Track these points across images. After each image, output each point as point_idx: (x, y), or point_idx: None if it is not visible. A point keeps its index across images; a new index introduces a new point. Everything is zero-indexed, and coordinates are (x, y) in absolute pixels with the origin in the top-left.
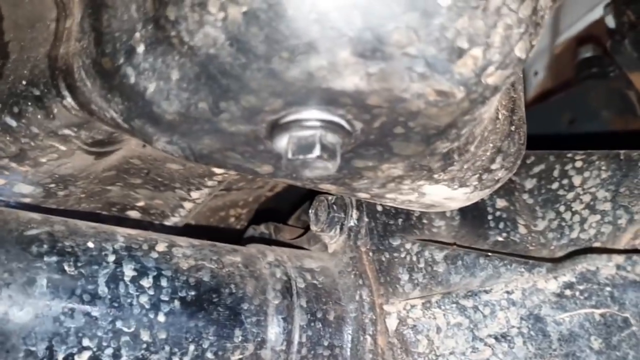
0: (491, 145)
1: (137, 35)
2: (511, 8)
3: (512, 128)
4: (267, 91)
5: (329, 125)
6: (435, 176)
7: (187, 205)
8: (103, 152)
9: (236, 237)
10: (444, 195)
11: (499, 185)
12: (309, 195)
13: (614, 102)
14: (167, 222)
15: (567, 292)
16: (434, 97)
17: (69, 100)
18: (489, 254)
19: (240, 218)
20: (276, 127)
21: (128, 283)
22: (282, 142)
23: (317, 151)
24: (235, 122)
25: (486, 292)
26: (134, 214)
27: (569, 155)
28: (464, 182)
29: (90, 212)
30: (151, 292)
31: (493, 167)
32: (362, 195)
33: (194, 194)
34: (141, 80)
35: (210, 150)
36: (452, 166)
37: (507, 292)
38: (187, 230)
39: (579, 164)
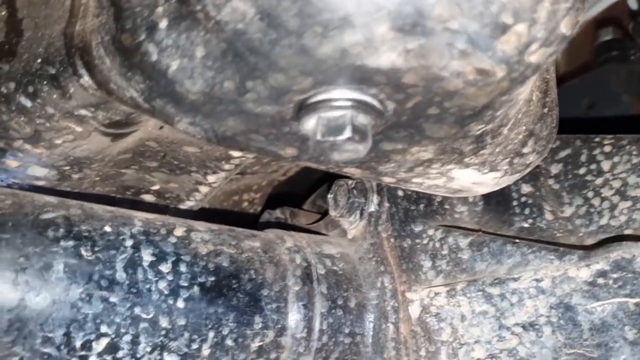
0: (524, 128)
1: (160, 9)
2: None
3: (545, 110)
4: (297, 69)
5: (360, 106)
6: (466, 160)
7: (203, 189)
8: (120, 134)
9: (250, 222)
10: (473, 179)
11: (529, 170)
12: (323, 179)
13: (635, 86)
14: (182, 206)
15: (600, 281)
16: (473, 76)
17: (86, 79)
18: (517, 240)
19: (254, 202)
20: (304, 108)
21: (146, 268)
22: (310, 124)
23: (347, 132)
24: (262, 102)
25: (514, 279)
26: (148, 198)
27: (597, 139)
28: (495, 167)
29: (105, 195)
30: (170, 278)
31: (524, 150)
32: (387, 180)
33: (211, 178)
34: (163, 57)
35: (234, 132)
36: (483, 149)
37: (536, 280)
38: (201, 214)
39: (607, 148)
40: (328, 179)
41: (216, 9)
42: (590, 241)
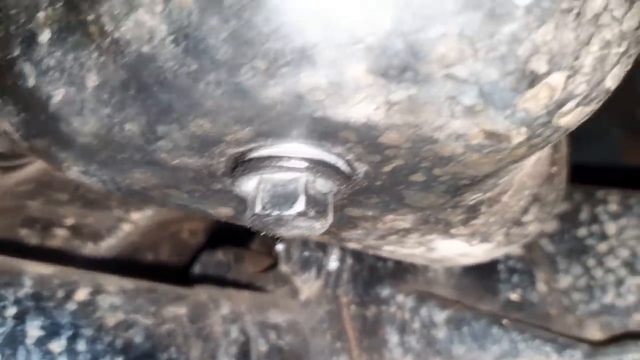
0: (527, 192)
1: (41, 15)
2: (614, 16)
3: (553, 170)
4: (230, 114)
5: (319, 167)
6: (453, 231)
7: (126, 226)
8: (10, 167)
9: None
10: (459, 251)
11: (527, 240)
12: None
13: (624, 122)
14: (102, 244)
15: None
16: (479, 141)
17: None
18: (505, 320)
19: (197, 233)
20: (241, 164)
21: (31, 347)
22: (249, 186)
23: (300, 205)
24: (180, 153)
25: None
26: (62, 233)
27: (600, 194)
28: (487, 238)
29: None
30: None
31: (525, 219)
32: (352, 245)
33: (135, 215)
34: (44, 83)
35: (144, 187)
36: (475, 220)
37: None
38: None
39: (613, 207)
40: None
41: (113, 22)
42: (591, 324)
